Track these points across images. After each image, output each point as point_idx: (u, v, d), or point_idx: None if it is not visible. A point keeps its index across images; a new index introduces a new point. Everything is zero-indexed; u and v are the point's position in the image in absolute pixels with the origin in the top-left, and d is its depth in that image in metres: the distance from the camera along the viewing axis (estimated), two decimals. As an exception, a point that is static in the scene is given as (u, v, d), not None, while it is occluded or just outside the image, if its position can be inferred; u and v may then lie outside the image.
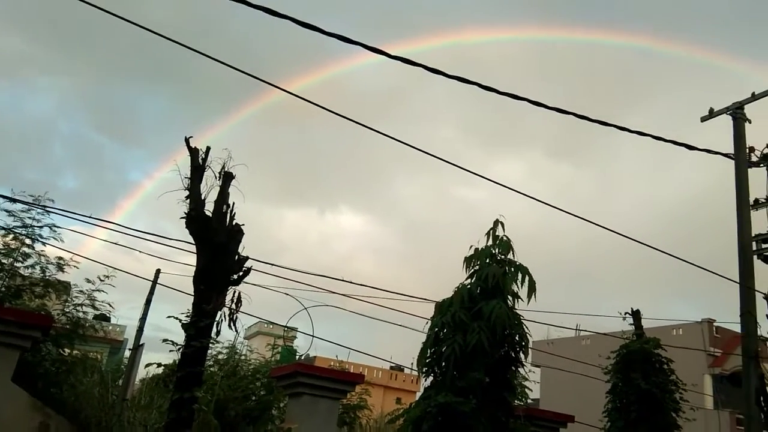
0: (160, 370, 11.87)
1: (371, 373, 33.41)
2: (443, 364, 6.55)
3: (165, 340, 9.67)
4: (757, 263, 10.80)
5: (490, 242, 7.39)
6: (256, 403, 10.98)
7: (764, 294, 10.47)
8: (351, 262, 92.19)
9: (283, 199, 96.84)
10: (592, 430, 9.80)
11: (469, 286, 7.10)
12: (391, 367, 37.91)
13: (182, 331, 6.73)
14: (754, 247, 10.91)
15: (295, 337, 14.19)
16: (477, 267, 7.26)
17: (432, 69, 7.32)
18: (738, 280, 10.20)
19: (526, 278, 7.12)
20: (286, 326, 9.82)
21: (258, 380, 11.34)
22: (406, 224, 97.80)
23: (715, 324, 30.21)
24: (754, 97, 11.25)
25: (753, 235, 10.90)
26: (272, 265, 8.93)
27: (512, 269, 7.18)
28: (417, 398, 7.32)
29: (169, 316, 7.73)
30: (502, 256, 7.30)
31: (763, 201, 11.37)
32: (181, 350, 6.77)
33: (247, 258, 6.75)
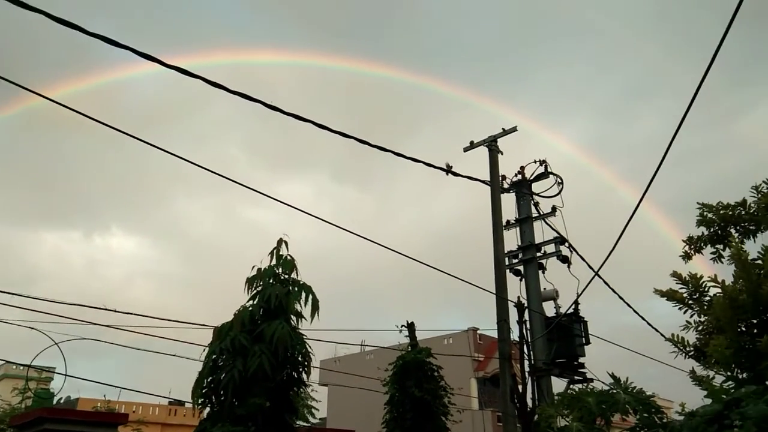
0: None
1: (147, 411, 30.51)
2: (221, 392, 6.18)
3: None
4: (510, 276, 12.38)
5: (274, 262, 7.26)
6: (-3, 460, 9.32)
7: (515, 303, 11.99)
8: (127, 289, 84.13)
9: (38, 219, 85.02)
10: (373, 443, 10.13)
11: (250, 308, 6.86)
12: (170, 402, 35.11)
13: None
14: (507, 262, 12.49)
15: (52, 379, 12.31)
16: (260, 288, 7.05)
17: (212, 82, 7.00)
18: (494, 291, 11.52)
19: (310, 297, 7.11)
20: (30, 365, 8.42)
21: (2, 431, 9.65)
22: (189, 247, 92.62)
23: (478, 332, 33.99)
24: (505, 132, 12.95)
25: (506, 251, 12.48)
26: (14, 294, 7.59)
27: (296, 288, 7.12)
28: (194, 432, 6.78)
29: None
30: (286, 276, 7.21)
31: (513, 222, 13.12)
32: None
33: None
